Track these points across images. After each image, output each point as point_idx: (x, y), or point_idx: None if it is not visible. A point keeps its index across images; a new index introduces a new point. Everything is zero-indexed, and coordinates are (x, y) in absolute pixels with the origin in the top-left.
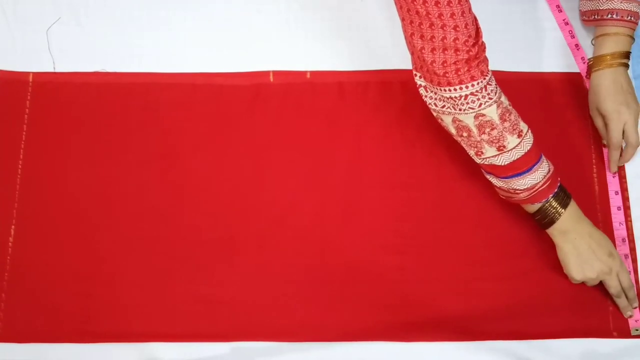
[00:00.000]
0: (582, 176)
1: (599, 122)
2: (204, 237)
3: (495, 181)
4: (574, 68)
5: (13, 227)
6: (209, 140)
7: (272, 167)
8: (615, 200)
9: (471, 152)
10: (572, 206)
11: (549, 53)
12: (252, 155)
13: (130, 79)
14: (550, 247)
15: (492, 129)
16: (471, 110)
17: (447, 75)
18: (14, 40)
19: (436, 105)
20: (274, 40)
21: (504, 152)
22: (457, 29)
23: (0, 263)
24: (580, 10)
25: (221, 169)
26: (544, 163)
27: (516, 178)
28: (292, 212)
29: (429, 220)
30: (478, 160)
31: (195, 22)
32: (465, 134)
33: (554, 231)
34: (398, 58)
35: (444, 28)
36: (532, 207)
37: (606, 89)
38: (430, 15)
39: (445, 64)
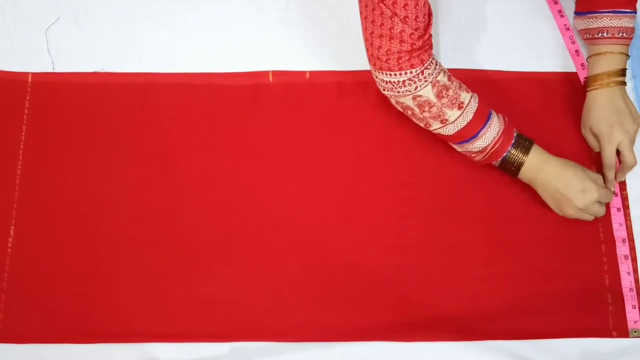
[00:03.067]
0: None
1: (591, 140)
2: (203, 237)
3: (454, 147)
4: (574, 68)
5: (13, 227)
6: (208, 140)
7: (271, 167)
8: (614, 202)
9: (421, 125)
10: (535, 151)
11: (549, 53)
12: (252, 155)
13: (129, 79)
14: (549, 247)
15: (431, 107)
16: (408, 93)
17: (388, 61)
18: (13, 41)
19: (380, 87)
20: (273, 40)
21: (447, 124)
22: (407, 20)
23: (0, 263)
24: (575, 28)
25: (220, 169)
26: (494, 124)
27: (466, 144)
28: (291, 211)
29: (429, 220)
30: (430, 130)
31: (195, 22)
32: (409, 112)
33: (523, 178)
34: None
35: (393, 18)
36: (495, 163)
37: (600, 109)
38: (383, 3)
39: (388, 52)
